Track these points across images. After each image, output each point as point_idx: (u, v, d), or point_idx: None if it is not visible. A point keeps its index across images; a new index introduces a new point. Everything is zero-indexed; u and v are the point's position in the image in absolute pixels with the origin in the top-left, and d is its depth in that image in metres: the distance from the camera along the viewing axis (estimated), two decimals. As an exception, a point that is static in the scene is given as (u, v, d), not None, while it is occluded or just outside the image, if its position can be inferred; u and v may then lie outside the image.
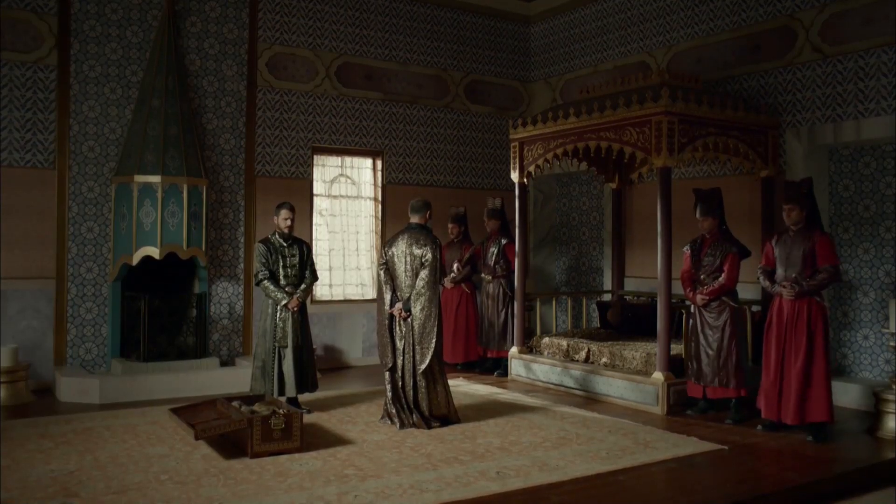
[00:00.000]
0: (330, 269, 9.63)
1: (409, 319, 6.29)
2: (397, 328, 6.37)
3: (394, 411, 6.31)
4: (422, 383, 6.30)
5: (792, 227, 6.18)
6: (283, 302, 6.66)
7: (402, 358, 6.33)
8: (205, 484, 4.76)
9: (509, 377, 8.70)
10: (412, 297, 6.29)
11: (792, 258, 6.10)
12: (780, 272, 6.18)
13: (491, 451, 5.56)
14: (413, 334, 6.29)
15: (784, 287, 6.06)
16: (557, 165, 9.35)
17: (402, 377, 6.34)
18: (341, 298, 9.66)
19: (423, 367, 6.26)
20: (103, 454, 5.38)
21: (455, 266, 9.15)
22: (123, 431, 6.03)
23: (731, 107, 7.36)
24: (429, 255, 6.30)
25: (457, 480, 4.86)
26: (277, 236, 6.85)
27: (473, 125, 10.61)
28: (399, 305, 6.33)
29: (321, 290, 9.52)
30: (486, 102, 10.72)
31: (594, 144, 7.67)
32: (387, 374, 6.39)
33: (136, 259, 7.78)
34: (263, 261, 6.74)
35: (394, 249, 6.41)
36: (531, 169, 8.50)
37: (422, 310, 6.27)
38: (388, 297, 6.40)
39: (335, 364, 9.39)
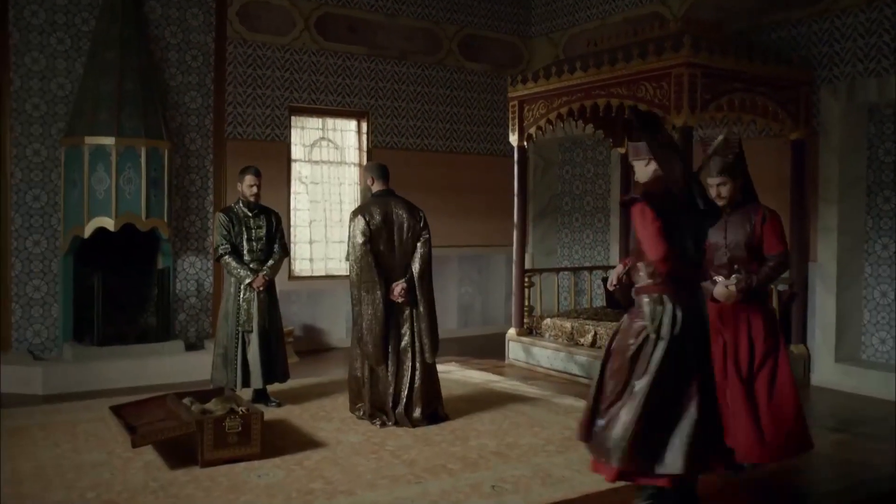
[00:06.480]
0: (311, 241, 8.77)
1: (403, 305, 5.44)
2: (399, 319, 5.46)
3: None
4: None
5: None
6: (247, 280, 5.80)
7: (406, 356, 5.44)
8: (140, 502, 3.96)
9: (506, 361, 7.89)
10: (416, 278, 5.43)
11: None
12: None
13: (485, 457, 4.76)
14: (419, 323, 5.46)
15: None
16: (560, 128, 8.48)
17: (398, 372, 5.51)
18: (323, 274, 8.80)
19: (433, 358, 5.51)
20: (27, 464, 4.55)
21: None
22: (60, 431, 5.21)
23: (761, 59, 6.48)
24: (423, 228, 5.48)
25: (444, 497, 4.07)
26: (241, 205, 5.99)
27: (468, 84, 9.69)
28: (403, 284, 5.40)
29: (300, 265, 8.68)
30: (483, 59, 9.77)
31: (603, 102, 6.80)
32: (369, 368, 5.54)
33: (88, 231, 6.93)
34: (224, 233, 5.90)
35: (376, 221, 5.49)
36: (532, 131, 7.62)
37: (424, 294, 5.46)
38: (380, 282, 5.38)
39: (315, 346, 8.56)
